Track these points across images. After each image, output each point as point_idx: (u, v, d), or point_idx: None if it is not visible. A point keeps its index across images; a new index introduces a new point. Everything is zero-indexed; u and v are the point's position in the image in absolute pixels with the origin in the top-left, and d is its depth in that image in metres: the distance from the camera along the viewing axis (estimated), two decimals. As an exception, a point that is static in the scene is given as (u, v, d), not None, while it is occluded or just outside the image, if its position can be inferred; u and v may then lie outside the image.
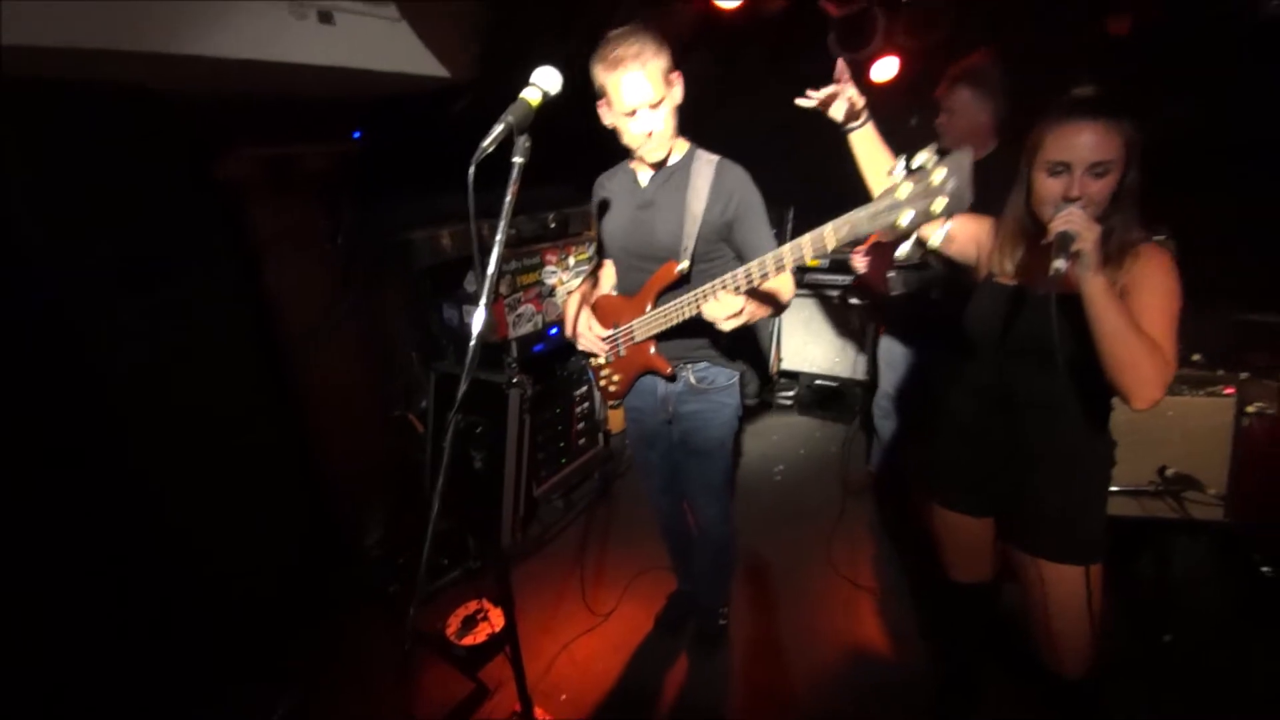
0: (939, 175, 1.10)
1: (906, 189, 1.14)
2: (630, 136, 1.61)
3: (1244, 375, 2.21)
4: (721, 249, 1.74)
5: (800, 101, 1.50)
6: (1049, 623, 1.46)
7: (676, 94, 1.59)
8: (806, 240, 1.36)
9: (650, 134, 1.58)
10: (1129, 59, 2.77)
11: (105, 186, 1.82)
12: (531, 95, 1.20)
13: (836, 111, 1.46)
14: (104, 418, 1.84)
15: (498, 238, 1.16)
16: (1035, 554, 1.45)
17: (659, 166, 1.71)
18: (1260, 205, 2.72)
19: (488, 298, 1.15)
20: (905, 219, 1.13)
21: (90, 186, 1.79)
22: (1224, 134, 2.82)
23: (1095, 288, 1.17)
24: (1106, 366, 1.20)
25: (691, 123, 1.71)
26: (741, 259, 1.75)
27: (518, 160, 1.18)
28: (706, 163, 1.68)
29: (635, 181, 1.77)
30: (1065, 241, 1.16)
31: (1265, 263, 2.58)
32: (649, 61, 1.49)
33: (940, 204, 1.09)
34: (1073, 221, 1.17)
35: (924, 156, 1.13)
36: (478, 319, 1.16)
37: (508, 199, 1.17)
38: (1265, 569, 2.15)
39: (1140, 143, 1.22)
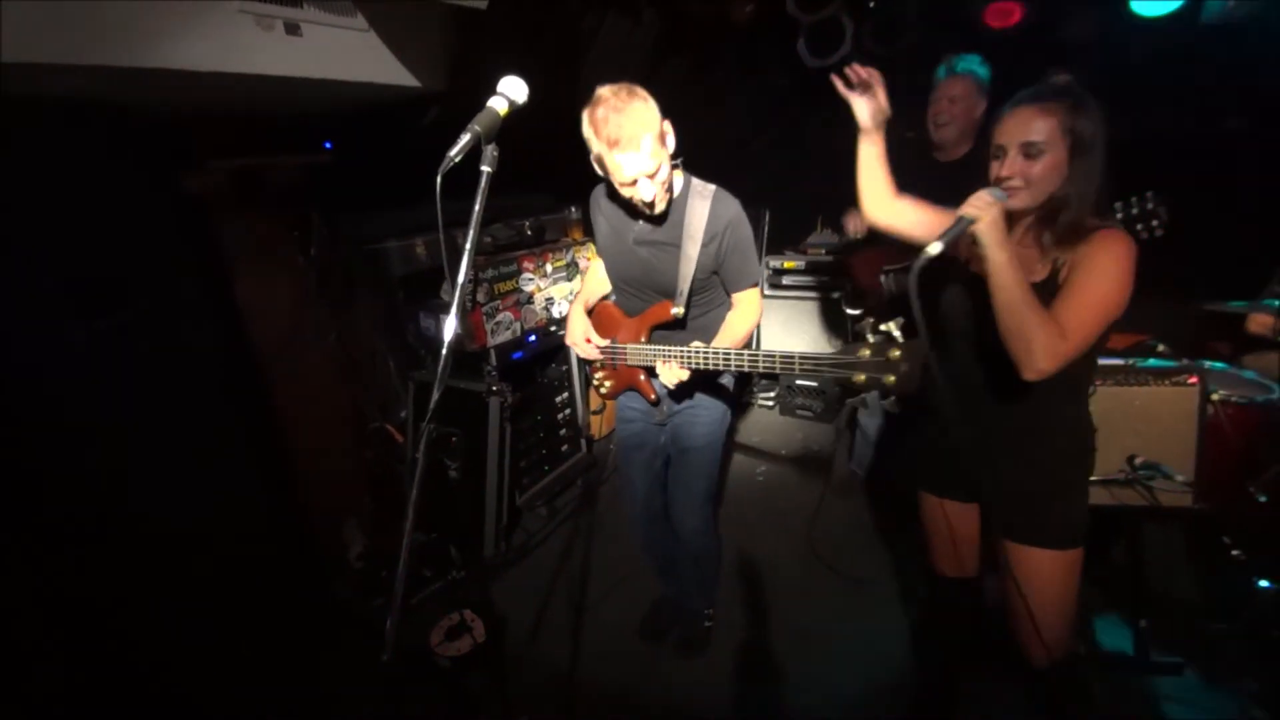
0: (896, 354, 1.28)
1: (868, 353, 1.33)
2: (627, 197, 1.62)
3: (1207, 364, 2.27)
4: (715, 280, 1.80)
5: (838, 84, 1.48)
6: (1027, 608, 1.46)
7: (669, 146, 1.61)
8: (777, 355, 1.49)
9: (652, 198, 1.60)
10: (1091, 62, 2.85)
11: (60, 206, 1.75)
12: (498, 105, 1.21)
13: (861, 112, 1.47)
14: (59, 446, 1.77)
15: (467, 246, 1.16)
16: (1012, 539, 1.46)
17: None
18: (1223, 198, 2.81)
19: (459, 306, 1.16)
20: (860, 378, 1.33)
21: (43, 206, 1.73)
22: (1186, 130, 2.91)
23: (996, 262, 1.24)
24: (1000, 333, 1.28)
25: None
26: (724, 286, 1.81)
27: (486, 169, 1.18)
28: (701, 197, 1.69)
29: (632, 213, 1.77)
30: (960, 224, 1.25)
31: (1227, 253, 2.66)
32: (644, 136, 1.50)
33: (890, 380, 1.30)
34: (974, 204, 1.25)
35: (890, 325, 1.31)
36: (449, 327, 1.16)
37: (476, 208, 1.17)
38: (1236, 552, 2.19)
39: (1090, 129, 1.25)
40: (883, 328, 1.31)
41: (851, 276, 2.90)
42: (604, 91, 1.53)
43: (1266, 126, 2.77)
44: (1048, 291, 1.32)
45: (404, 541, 1.12)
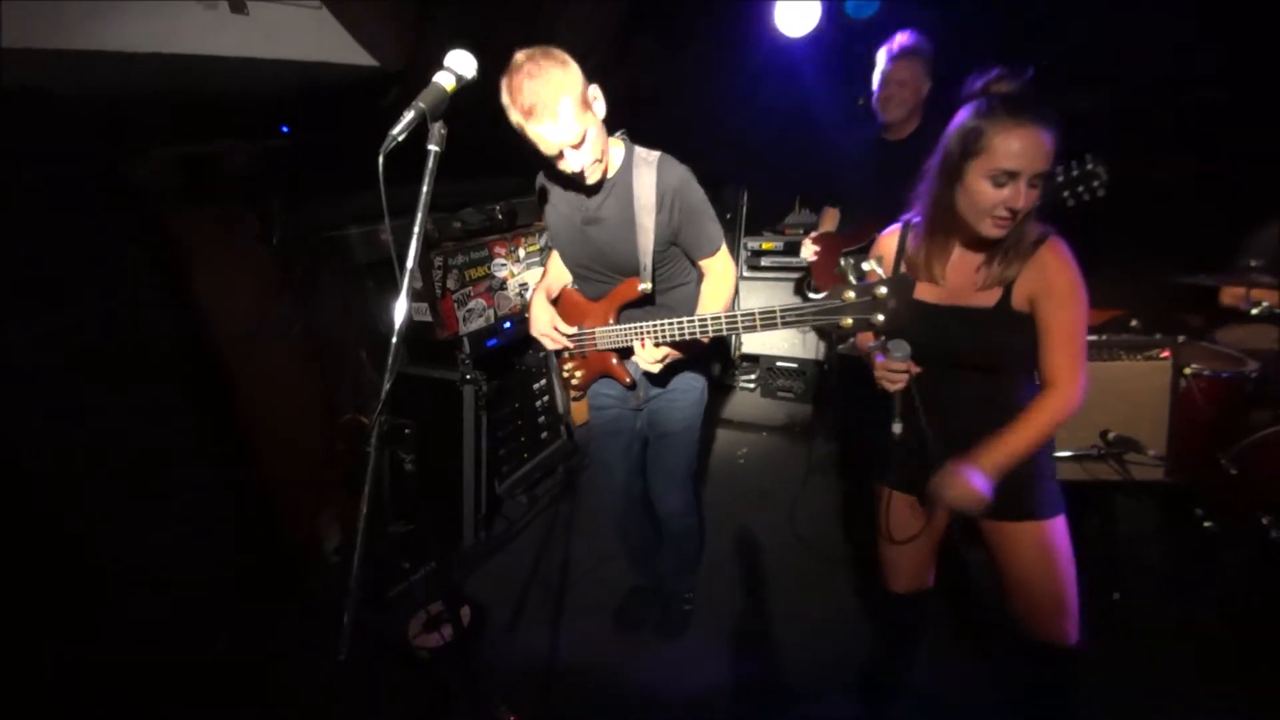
0: (883, 291, 1.18)
1: (853, 295, 1.22)
2: (562, 169, 1.55)
3: (1180, 338, 2.27)
4: (676, 251, 1.73)
5: None
6: (1031, 587, 1.43)
7: (599, 111, 1.52)
8: (757, 313, 1.40)
9: (581, 170, 1.52)
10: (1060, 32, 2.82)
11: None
12: (445, 80, 1.16)
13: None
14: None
15: (415, 230, 1.11)
16: (1003, 519, 1.42)
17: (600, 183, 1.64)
18: (1196, 169, 2.80)
19: (407, 291, 1.12)
20: (847, 322, 1.24)
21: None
22: (1161, 101, 2.90)
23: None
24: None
25: (644, 111, 1.66)
26: (687, 255, 1.75)
27: (433, 149, 1.14)
28: (646, 166, 1.61)
29: (579, 191, 1.68)
30: None
31: (1200, 226, 2.66)
32: (561, 102, 1.39)
33: (879, 319, 1.19)
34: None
35: (872, 264, 1.20)
36: (399, 313, 1.12)
37: (424, 189, 1.13)
38: (1207, 524, 2.21)
39: None
40: (864, 266, 1.22)
41: (809, 270, 2.92)
42: (519, 56, 1.42)
43: (1234, 97, 2.75)
44: (1004, 320, 1.30)
45: (357, 540, 1.09)
